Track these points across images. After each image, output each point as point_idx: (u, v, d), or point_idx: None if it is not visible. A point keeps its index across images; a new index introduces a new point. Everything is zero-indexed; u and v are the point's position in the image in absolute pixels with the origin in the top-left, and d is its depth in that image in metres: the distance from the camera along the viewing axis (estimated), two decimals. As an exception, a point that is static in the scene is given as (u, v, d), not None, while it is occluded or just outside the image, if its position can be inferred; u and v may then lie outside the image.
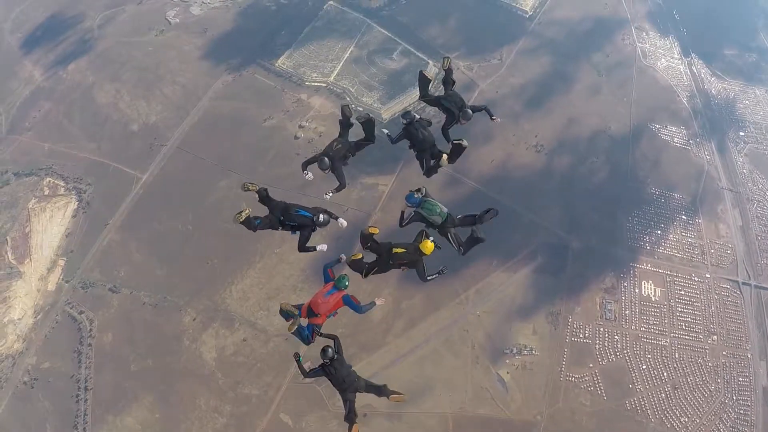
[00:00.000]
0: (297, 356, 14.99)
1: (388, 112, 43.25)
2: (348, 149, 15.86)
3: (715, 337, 36.90)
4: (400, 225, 15.49)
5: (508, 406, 33.67)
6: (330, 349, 14.09)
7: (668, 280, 38.26)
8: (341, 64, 45.72)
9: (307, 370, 14.67)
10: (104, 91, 44.08)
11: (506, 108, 43.95)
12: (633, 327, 36.46)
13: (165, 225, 38.70)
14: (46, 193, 40.35)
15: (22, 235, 39.16)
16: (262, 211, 15.03)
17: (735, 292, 38.59)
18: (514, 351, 34.92)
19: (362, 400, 32.71)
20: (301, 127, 41.86)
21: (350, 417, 14.28)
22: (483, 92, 44.82)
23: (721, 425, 34.20)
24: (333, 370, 14.22)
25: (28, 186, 40.65)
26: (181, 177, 40.25)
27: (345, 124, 16.14)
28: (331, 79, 44.70)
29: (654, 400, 34.44)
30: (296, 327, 14.45)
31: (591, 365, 35.05)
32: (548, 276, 37.55)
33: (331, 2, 49.44)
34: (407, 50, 46.79)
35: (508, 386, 34.13)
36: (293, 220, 14.44)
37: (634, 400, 34.31)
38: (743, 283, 38.95)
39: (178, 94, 43.80)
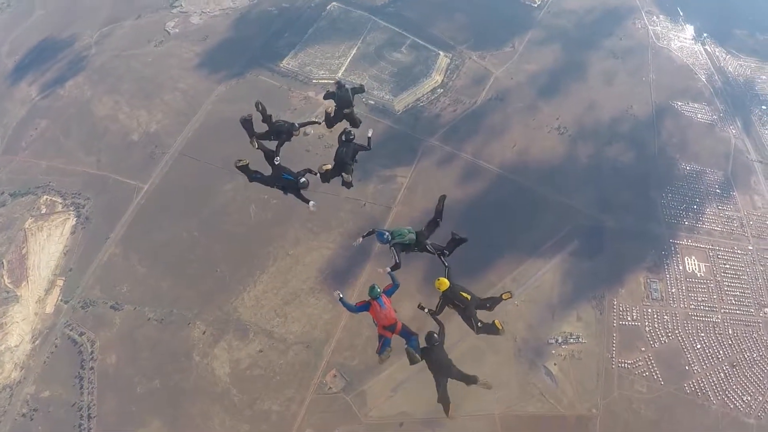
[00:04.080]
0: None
1: (401, 103, 39.62)
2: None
3: (767, 309, 33.24)
4: (397, 266, 15.04)
5: (559, 400, 28.81)
6: (435, 335, 14.00)
7: (711, 254, 34.76)
8: (348, 60, 42.09)
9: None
10: (102, 103, 39.65)
11: (524, 93, 40.92)
12: (682, 305, 32.62)
13: (168, 234, 33.70)
14: (44, 211, 35.54)
15: (19, 257, 34.22)
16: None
17: None
18: (560, 340, 30.52)
19: (396, 408, 27.68)
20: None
21: (443, 399, 14.09)
22: (498, 79, 41.72)
23: (785, 400, 30.31)
24: (434, 354, 13.99)
25: (25, 206, 35.88)
26: (184, 183, 35.55)
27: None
28: (339, 75, 40.78)
29: (713, 381, 30.32)
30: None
31: (643, 349, 30.87)
32: (586, 259, 33.35)
33: (335, 3, 46.16)
34: (416, 43, 43.46)
35: (557, 379, 29.44)
36: (281, 182, 15.40)
37: (692, 383, 30.12)
38: None
39: (179, 100, 39.50)
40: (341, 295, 15.06)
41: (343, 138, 16.60)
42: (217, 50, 42.66)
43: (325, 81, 40.38)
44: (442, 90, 40.48)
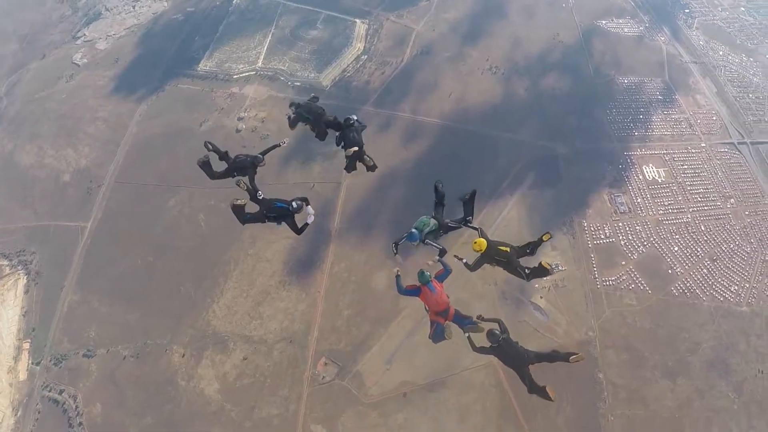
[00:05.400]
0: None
1: (327, 78, 37.58)
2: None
3: (732, 200, 32.85)
4: (444, 251, 13.89)
5: (554, 332, 27.45)
6: (497, 332, 12.99)
7: (667, 158, 34.09)
8: (266, 48, 39.65)
9: (477, 346, 13.27)
10: (26, 152, 36.06)
11: (448, 43, 39.45)
12: (650, 213, 31.81)
13: (123, 266, 30.89)
14: (-8, 278, 32.17)
15: (-22, 331, 30.91)
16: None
17: (734, 153, 34.75)
18: (540, 273, 28.66)
19: (396, 379, 25.56)
20: (240, 119, 35.47)
21: (535, 388, 12.63)
22: (420, 35, 40.14)
23: (770, 282, 30.09)
24: (503, 350, 13.03)
25: (-30, 278, 32.44)
26: (127, 211, 32.74)
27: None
28: (259, 64, 38.50)
29: (698, 278, 29.61)
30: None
31: (623, 263, 29.86)
32: (547, 188, 32.14)
33: (239, -4, 43.60)
34: (330, 16, 41.35)
35: (547, 311, 28.10)
36: (274, 212, 14.15)
37: (678, 285, 29.32)
38: (739, 143, 35.28)
39: (102, 129, 36.33)
40: (398, 273, 13.68)
41: (345, 127, 15.46)
42: (131, 70, 39.55)
43: (246, 74, 38.20)
44: (366, 56, 38.65)
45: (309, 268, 29.53)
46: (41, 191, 34.52)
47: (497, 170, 32.38)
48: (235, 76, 37.88)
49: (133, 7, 43.87)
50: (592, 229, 30.54)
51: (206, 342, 28.18)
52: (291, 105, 16.46)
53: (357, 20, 40.60)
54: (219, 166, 15.20)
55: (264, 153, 15.15)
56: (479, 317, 13.64)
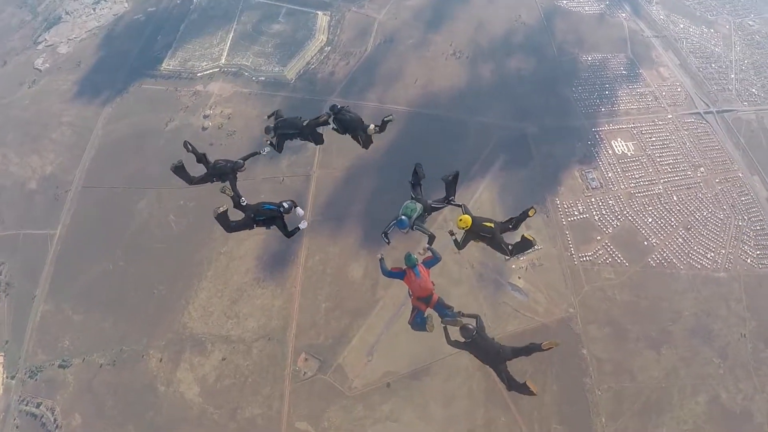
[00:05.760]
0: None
1: (292, 71, 36.45)
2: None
3: (702, 168, 32.71)
4: (433, 237, 13.83)
5: (535, 311, 26.85)
6: (471, 327, 12.23)
7: (635, 132, 33.85)
8: (228, 44, 38.38)
9: (452, 339, 12.67)
10: (-11, 162, 34.38)
11: (411, 30, 38.76)
12: (622, 186, 31.54)
13: (94, 272, 29.42)
14: (-40, 294, 30.52)
15: (-51, 348, 29.30)
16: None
17: (701, 123, 34.63)
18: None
19: (378, 370, 24.52)
20: (205, 116, 34.24)
21: (514, 385, 12.13)
22: (382, 24, 39.29)
23: (746, 247, 29.71)
24: (477, 345, 12.33)
25: (-61, 295, 30.82)
26: (96, 215, 31.22)
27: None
28: (223, 61, 37.24)
29: (673, 248, 29.39)
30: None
31: (599, 238, 29.45)
32: (518, 168, 31.63)
33: (200, -6, 42.26)
34: (292, 10, 40.27)
35: (526, 291, 27.47)
36: (263, 215, 13.51)
37: (655, 255, 29.07)
38: (705, 113, 35.14)
39: (67, 134, 34.70)
40: (382, 256, 13.68)
41: (337, 113, 14.61)
42: (94, 73, 37.82)
43: (210, 71, 36.89)
44: (329, 48, 37.72)
45: (283, 263, 28.47)
46: (7, 200, 32.86)
47: (468, 153, 31.68)
48: (199, 74, 36.52)
49: (94, 9, 41.95)
50: (566, 206, 30.09)
51: (183, 345, 26.99)
52: (267, 131, 15.37)
53: (319, 12, 39.56)
54: (193, 169, 14.38)
55: (244, 159, 14.61)
56: (459, 313, 13.17)
